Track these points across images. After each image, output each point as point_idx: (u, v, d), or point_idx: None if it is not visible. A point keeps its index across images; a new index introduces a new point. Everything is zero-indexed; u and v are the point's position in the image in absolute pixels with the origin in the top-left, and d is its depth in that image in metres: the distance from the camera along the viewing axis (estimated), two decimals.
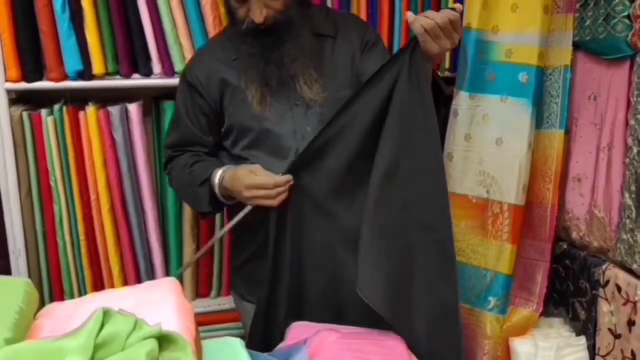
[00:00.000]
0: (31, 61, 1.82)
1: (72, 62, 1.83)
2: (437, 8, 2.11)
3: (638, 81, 1.58)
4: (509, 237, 1.86)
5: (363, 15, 2.03)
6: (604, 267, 1.72)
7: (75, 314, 1.03)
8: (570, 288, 1.87)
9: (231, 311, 1.99)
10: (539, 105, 1.85)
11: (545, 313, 1.93)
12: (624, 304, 1.63)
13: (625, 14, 1.59)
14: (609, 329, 1.69)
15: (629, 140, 1.62)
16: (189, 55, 1.86)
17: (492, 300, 1.89)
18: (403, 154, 1.41)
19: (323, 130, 1.43)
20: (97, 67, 1.85)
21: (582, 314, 1.81)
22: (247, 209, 1.49)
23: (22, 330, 0.98)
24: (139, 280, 2.00)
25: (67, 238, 1.93)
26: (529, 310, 1.91)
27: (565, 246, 1.90)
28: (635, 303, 1.60)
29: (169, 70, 1.91)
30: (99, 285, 1.98)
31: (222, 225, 2.08)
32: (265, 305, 1.53)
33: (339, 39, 1.58)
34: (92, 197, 1.92)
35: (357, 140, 1.44)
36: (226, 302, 2.10)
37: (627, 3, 1.58)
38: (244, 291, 1.70)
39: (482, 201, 1.90)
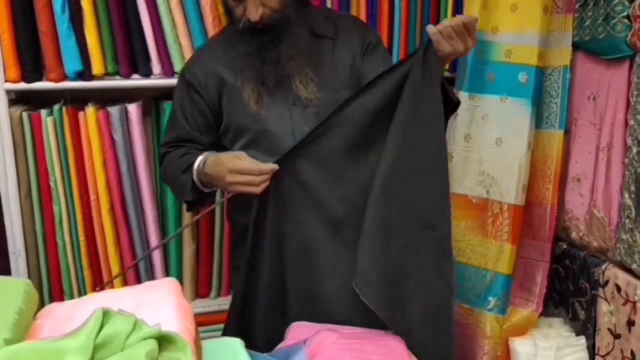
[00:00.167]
0: (31, 61, 1.82)
1: (72, 63, 1.83)
2: (437, 8, 2.11)
3: (637, 81, 1.58)
4: (509, 237, 1.86)
5: (363, 16, 2.03)
6: (603, 267, 1.72)
7: (75, 314, 1.03)
8: (570, 288, 1.87)
9: None
10: (539, 106, 1.85)
11: (545, 313, 1.94)
12: (624, 304, 1.63)
13: (625, 14, 1.59)
14: (609, 329, 1.69)
15: (629, 141, 1.62)
16: (188, 55, 1.86)
17: (492, 300, 1.89)
18: (409, 151, 1.41)
19: (326, 120, 1.42)
20: (97, 67, 1.85)
21: (582, 314, 1.81)
22: (221, 199, 1.48)
23: (22, 330, 0.98)
24: (138, 281, 2.00)
25: (67, 238, 1.93)
26: (528, 310, 1.91)
27: (564, 246, 1.90)
28: (634, 303, 1.60)
29: (168, 71, 1.91)
30: (98, 286, 1.98)
31: (222, 223, 2.08)
32: (242, 301, 1.51)
33: (339, 40, 1.58)
34: (92, 197, 1.92)
35: (359, 132, 1.44)
36: (226, 303, 2.09)
37: (627, 3, 1.58)
38: None
39: (482, 201, 1.91)
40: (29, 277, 1.91)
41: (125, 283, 1.99)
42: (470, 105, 1.88)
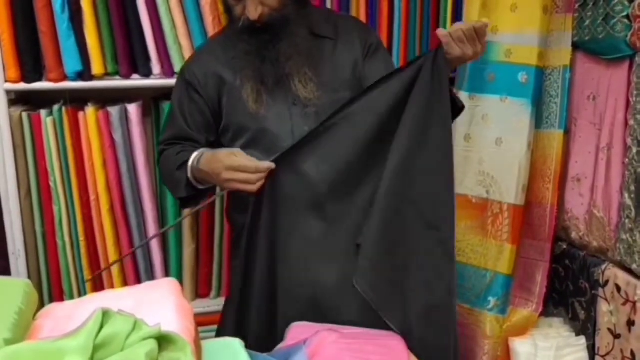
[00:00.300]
0: (31, 62, 1.82)
1: (72, 63, 1.83)
2: (437, 9, 2.11)
3: (637, 81, 1.58)
4: (509, 237, 1.86)
5: (362, 16, 2.03)
6: (603, 267, 1.72)
7: (74, 314, 1.03)
8: (569, 288, 1.87)
9: None
10: (539, 106, 1.85)
11: (545, 313, 1.94)
12: (624, 304, 1.63)
13: (625, 14, 1.59)
14: (609, 329, 1.69)
15: (629, 140, 1.62)
16: (188, 55, 1.86)
17: (492, 301, 1.89)
18: (417, 152, 1.42)
19: (327, 119, 1.42)
20: (97, 67, 1.85)
21: (582, 314, 1.81)
22: (221, 192, 1.48)
23: (22, 330, 0.98)
24: (138, 281, 2.00)
25: (67, 239, 1.93)
26: (528, 310, 1.91)
27: (564, 246, 1.90)
28: (634, 303, 1.60)
29: (168, 71, 1.91)
30: (98, 286, 1.98)
31: (222, 223, 2.08)
32: (238, 301, 1.51)
33: (340, 41, 1.58)
34: (92, 197, 1.92)
35: (362, 132, 1.44)
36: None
37: (627, 3, 1.58)
38: None
39: (482, 201, 1.91)
40: (29, 277, 1.91)
41: (125, 283, 1.99)
42: (470, 105, 1.88)
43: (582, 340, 1.80)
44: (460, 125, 1.91)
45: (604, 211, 1.71)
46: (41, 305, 1.11)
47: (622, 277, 1.65)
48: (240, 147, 1.54)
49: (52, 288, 1.98)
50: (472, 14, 1.88)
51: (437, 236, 1.44)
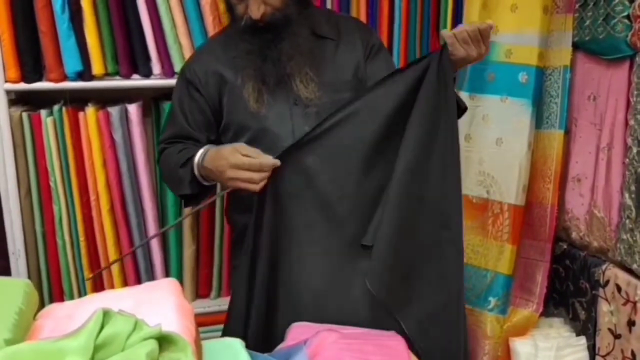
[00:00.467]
0: (31, 62, 1.82)
1: (72, 63, 1.83)
2: (437, 9, 2.11)
3: (637, 81, 1.58)
4: (509, 237, 1.86)
5: (363, 17, 2.03)
6: (603, 267, 1.72)
7: (75, 314, 1.03)
8: (570, 288, 1.87)
9: None
10: (539, 106, 1.85)
11: (546, 313, 1.94)
12: (624, 304, 1.63)
13: (625, 14, 1.59)
14: (609, 329, 1.69)
15: (629, 141, 1.62)
16: (188, 55, 1.86)
17: (493, 301, 1.89)
18: (426, 152, 1.43)
19: (330, 117, 1.42)
20: (97, 67, 1.85)
21: (582, 314, 1.81)
22: (222, 192, 1.47)
23: (22, 331, 0.98)
24: (138, 281, 2.00)
25: (67, 238, 1.93)
26: (529, 310, 1.91)
27: (565, 246, 1.90)
28: (635, 303, 1.60)
29: (168, 71, 1.91)
30: (98, 286, 1.98)
31: (222, 224, 2.08)
32: (241, 301, 1.50)
33: (341, 42, 1.58)
34: (92, 197, 1.92)
35: (367, 131, 1.44)
36: (226, 303, 2.07)
37: (627, 3, 1.58)
38: None
39: (482, 201, 1.91)
40: (29, 277, 1.91)
41: (125, 283, 1.99)
42: (471, 105, 1.88)
43: (583, 340, 1.80)
44: (460, 125, 1.89)
45: (604, 211, 1.71)
46: (41, 305, 1.11)
47: (622, 277, 1.65)
48: None
49: (52, 288, 1.98)
50: (472, 14, 1.88)
51: (448, 235, 1.45)
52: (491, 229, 1.89)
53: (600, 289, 1.72)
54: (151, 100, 2.02)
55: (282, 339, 1.32)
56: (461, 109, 1.55)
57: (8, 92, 1.83)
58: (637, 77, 1.58)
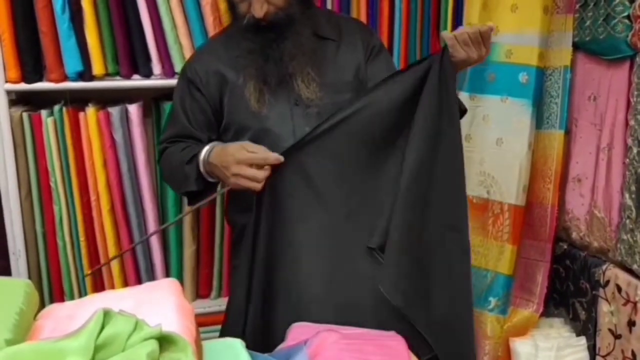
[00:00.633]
0: (31, 62, 1.82)
1: (72, 63, 1.83)
2: (437, 9, 2.11)
3: (638, 81, 1.58)
4: (510, 237, 1.86)
5: (363, 17, 2.03)
6: (604, 267, 1.72)
7: (75, 314, 1.03)
8: (570, 288, 1.87)
9: None
10: (539, 106, 1.85)
11: (546, 313, 1.94)
12: (624, 304, 1.63)
13: (625, 14, 1.59)
14: (610, 329, 1.69)
15: (629, 141, 1.62)
16: (189, 55, 1.85)
17: (493, 301, 1.89)
18: (432, 154, 1.43)
19: (332, 116, 1.42)
20: (97, 68, 1.85)
21: (583, 315, 1.81)
22: (222, 189, 1.48)
23: (23, 331, 0.98)
24: (139, 281, 2.00)
25: (67, 239, 1.93)
26: (529, 310, 1.91)
27: (565, 246, 1.90)
28: (635, 303, 1.60)
29: (169, 71, 1.91)
30: (99, 286, 1.98)
31: (222, 224, 2.08)
32: (240, 301, 1.50)
33: (342, 43, 1.58)
34: (92, 197, 1.92)
35: (368, 131, 1.44)
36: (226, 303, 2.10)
37: (627, 3, 1.58)
38: None
39: (482, 202, 1.91)
40: (29, 277, 1.91)
41: (125, 284, 1.99)
42: (471, 105, 1.88)
43: (583, 340, 1.80)
44: (461, 126, 1.91)
45: (604, 211, 1.71)
46: (41, 305, 1.11)
47: (622, 277, 1.65)
48: None
49: (52, 288, 1.98)
50: (473, 14, 1.88)
51: (456, 236, 1.46)
52: (491, 229, 1.89)
53: (601, 289, 1.72)
54: (151, 100, 2.02)
55: (280, 339, 1.32)
56: (462, 111, 1.55)
57: (8, 92, 1.83)
58: (638, 78, 1.58)
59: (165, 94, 1.97)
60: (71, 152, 1.87)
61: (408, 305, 1.42)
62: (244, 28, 1.48)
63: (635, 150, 1.59)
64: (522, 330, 1.90)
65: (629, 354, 1.62)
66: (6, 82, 1.81)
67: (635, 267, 1.61)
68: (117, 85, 1.90)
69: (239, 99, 1.53)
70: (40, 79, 1.85)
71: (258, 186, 1.40)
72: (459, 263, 1.47)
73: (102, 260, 1.96)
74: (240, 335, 1.42)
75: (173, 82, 1.77)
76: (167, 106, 1.95)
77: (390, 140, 1.45)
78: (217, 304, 2.13)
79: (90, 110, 1.87)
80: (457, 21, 2.06)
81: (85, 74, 1.85)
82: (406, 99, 1.42)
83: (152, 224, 2.01)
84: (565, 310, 1.91)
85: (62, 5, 1.78)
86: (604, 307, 1.71)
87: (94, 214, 1.93)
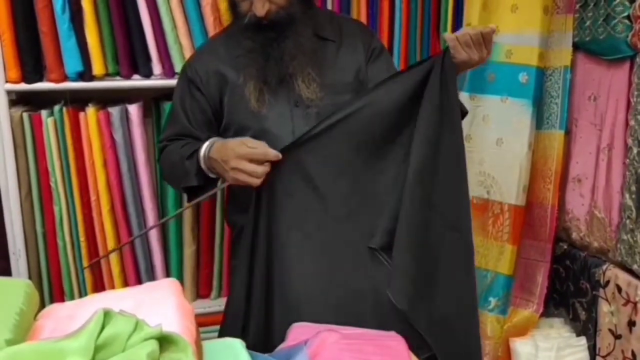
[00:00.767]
0: (31, 62, 1.82)
1: (72, 63, 1.83)
2: (438, 10, 2.11)
3: (638, 82, 1.58)
4: (510, 237, 1.86)
5: (363, 17, 2.03)
6: (604, 267, 1.72)
7: (75, 314, 1.03)
8: (570, 288, 1.87)
9: None
10: (539, 106, 1.85)
11: (546, 313, 1.94)
12: (625, 305, 1.63)
13: (625, 14, 1.59)
14: (610, 330, 1.69)
15: (629, 141, 1.62)
16: (189, 55, 1.86)
17: (493, 301, 1.89)
18: (434, 155, 1.43)
19: (332, 115, 1.42)
20: (97, 68, 1.85)
21: (583, 315, 1.81)
22: (222, 184, 1.48)
23: (23, 331, 0.98)
24: (139, 281, 2.00)
25: (68, 239, 1.93)
26: (529, 310, 1.92)
27: (565, 247, 1.90)
28: (635, 303, 1.60)
29: (169, 71, 1.91)
30: (99, 286, 1.98)
31: (222, 224, 2.08)
32: (239, 301, 1.50)
33: (343, 44, 1.58)
34: (93, 198, 1.92)
35: (368, 132, 1.44)
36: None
37: (627, 4, 1.58)
38: None
39: (482, 202, 1.91)
40: (30, 277, 1.91)
41: (125, 284, 1.99)
42: (471, 105, 1.88)
43: (583, 340, 1.80)
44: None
45: (604, 212, 1.71)
46: (42, 305, 1.11)
47: (622, 277, 1.65)
48: None
49: (52, 288, 1.98)
50: (473, 15, 1.88)
51: (460, 238, 1.46)
52: (491, 229, 1.89)
53: (601, 290, 1.72)
54: (152, 100, 2.02)
55: (279, 339, 1.32)
56: (463, 113, 1.55)
57: (9, 92, 1.83)
58: (638, 78, 1.58)
59: (165, 94, 1.97)
60: (71, 152, 1.87)
61: (411, 308, 1.43)
62: (244, 27, 1.48)
63: (635, 150, 1.59)
64: (522, 330, 1.90)
65: (629, 354, 1.62)
66: (6, 82, 1.81)
67: (635, 267, 1.61)
68: (117, 85, 1.90)
69: (239, 98, 1.53)
70: (40, 79, 1.85)
71: (257, 182, 1.40)
72: (463, 264, 1.47)
73: (102, 260, 1.97)
74: (240, 335, 1.42)
75: (173, 82, 1.77)
76: (167, 106, 1.95)
77: (390, 140, 1.45)
78: (217, 304, 2.13)
79: (91, 110, 1.87)
80: (457, 22, 2.06)
81: (86, 74, 1.85)
82: (407, 100, 1.42)
83: (152, 224, 2.01)
84: (565, 311, 1.91)
85: (62, 5, 1.78)
86: (604, 307, 1.71)
87: (94, 214, 1.93)
